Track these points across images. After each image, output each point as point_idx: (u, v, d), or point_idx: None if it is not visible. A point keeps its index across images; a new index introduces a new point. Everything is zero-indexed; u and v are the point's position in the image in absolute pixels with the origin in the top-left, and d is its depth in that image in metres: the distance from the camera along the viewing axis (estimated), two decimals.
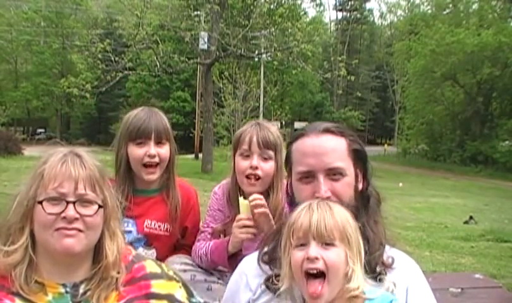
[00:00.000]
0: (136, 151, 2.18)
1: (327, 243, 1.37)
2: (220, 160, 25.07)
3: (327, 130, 1.68)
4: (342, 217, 1.41)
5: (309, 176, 1.64)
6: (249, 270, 1.66)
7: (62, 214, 1.43)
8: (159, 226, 2.26)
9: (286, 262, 1.42)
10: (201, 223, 2.38)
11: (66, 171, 1.46)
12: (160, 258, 2.09)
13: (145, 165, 2.19)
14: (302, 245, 1.38)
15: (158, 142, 2.21)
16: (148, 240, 2.25)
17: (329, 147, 1.64)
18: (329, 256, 1.35)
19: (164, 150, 2.22)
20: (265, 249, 1.64)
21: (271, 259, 1.60)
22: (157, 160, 2.19)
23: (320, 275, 1.35)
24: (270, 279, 1.55)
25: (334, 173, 1.61)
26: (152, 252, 2.24)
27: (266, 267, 1.60)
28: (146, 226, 2.24)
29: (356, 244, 1.40)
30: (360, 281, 1.37)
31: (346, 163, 1.63)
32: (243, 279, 1.66)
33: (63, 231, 1.43)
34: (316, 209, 1.41)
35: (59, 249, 1.43)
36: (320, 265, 1.35)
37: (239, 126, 28.28)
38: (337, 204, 1.47)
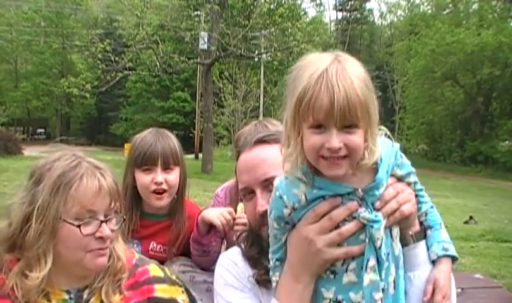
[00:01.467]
0: (142, 179, 2.10)
1: (349, 126, 1.20)
2: (220, 160, 25.09)
3: (258, 142, 1.63)
4: (363, 87, 1.21)
5: (249, 192, 1.61)
6: (237, 262, 1.62)
7: (97, 234, 1.40)
8: (164, 250, 2.20)
9: (298, 140, 1.26)
10: None
11: (92, 186, 1.40)
12: None
13: (153, 192, 2.12)
14: (319, 126, 1.21)
15: (166, 168, 2.11)
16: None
17: (260, 158, 1.59)
18: (352, 140, 1.20)
19: (172, 176, 2.12)
20: (246, 249, 1.62)
21: (251, 258, 1.59)
22: (164, 187, 2.10)
23: (342, 158, 1.22)
24: (260, 276, 1.53)
25: (271, 183, 1.52)
26: None
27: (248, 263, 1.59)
28: (151, 249, 2.19)
29: (376, 118, 1.24)
30: (377, 156, 1.25)
31: (281, 170, 1.48)
32: (232, 268, 1.62)
33: (98, 252, 1.40)
34: (337, 84, 1.18)
35: (92, 269, 1.41)
36: (341, 153, 1.21)
37: (239, 126, 28.30)
38: (352, 64, 1.25)
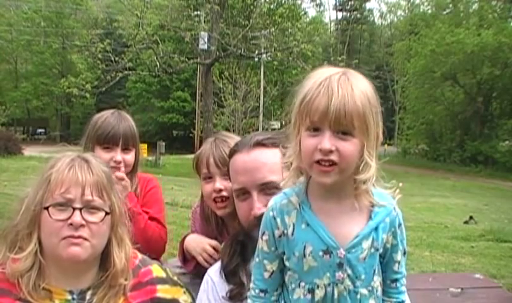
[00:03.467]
0: (102, 156, 2.19)
1: (343, 132, 1.21)
2: None
3: (257, 144, 1.64)
4: (363, 99, 1.22)
5: (244, 193, 1.62)
6: (215, 281, 1.66)
7: (69, 221, 1.42)
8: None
9: (296, 141, 1.28)
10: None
11: (73, 176, 1.45)
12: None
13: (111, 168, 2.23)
14: (315, 129, 1.23)
15: (125, 149, 2.26)
16: None
17: (259, 162, 1.60)
18: (345, 147, 1.21)
19: (130, 156, 2.28)
20: (225, 262, 1.65)
21: (228, 273, 1.61)
22: (122, 165, 2.23)
23: (332, 164, 1.23)
24: (233, 292, 1.57)
25: (269, 188, 1.57)
26: None
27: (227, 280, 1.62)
28: None
29: (374, 132, 1.24)
30: (371, 173, 1.24)
31: (280, 176, 1.47)
32: (210, 289, 1.66)
33: (69, 239, 1.42)
34: (337, 90, 1.20)
35: (65, 257, 1.43)
36: (333, 157, 1.21)
37: (239, 126, 28.32)
38: (359, 79, 1.26)
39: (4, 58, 47.85)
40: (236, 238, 1.69)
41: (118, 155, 2.23)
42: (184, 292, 1.64)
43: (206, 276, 1.70)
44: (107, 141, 2.23)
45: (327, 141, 1.20)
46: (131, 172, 2.31)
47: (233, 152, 1.70)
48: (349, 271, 1.28)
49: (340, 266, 1.28)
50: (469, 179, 30.03)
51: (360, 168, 1.24)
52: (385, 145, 51.74)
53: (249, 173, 1.61)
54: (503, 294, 2.91)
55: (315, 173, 1.26)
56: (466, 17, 42.64)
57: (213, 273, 1.69)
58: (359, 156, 1.23)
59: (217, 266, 1.70)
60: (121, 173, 2.17)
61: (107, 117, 2.29)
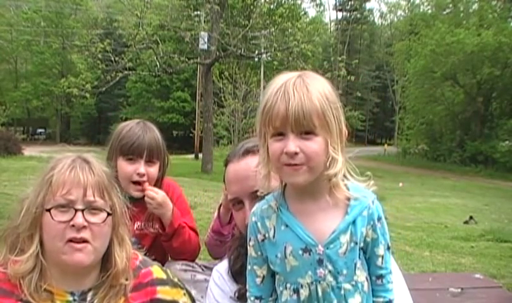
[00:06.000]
0: (125, 167, 2.16)
1: (306, 132, 1.25)
2: (220, 159, 25.03)
3: (247, 152, 1.65)
4: (321, 98, 1.27)
5: (239, 202, 1.64)
6: (225, 278, 1.68)
7: (71, 223, 1.42)
8: (149, 225, 2.26)
9: (264, 149, 1.32)
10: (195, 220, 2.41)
11: (74, 177, 1.44)
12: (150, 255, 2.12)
13: (133, 182, 2.18)
14: (280, 134, 1.27)
15: (149, 161, 2.18)
16: (139, 241, 2.25)
17: (249, 170, 1.60)
18: (309, 147, 1.25)
19: (153, 169, 2.20)
20: (231, 262, 1.66)
21: (235, 273, 1.63)
22: (145, 178, 2.17)
23: (300, 165, 1.26)
24: (241, 291, 1.57)
25: (260, 196, 1.55)
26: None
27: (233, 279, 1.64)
28: (136, 228, 2.23)
29: (336, 128, 1.28)
30: (339, 167, 1.28)
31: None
32: (220, 283, 1.68)
33: (73, 245, 1.42)
34: (293, 93, 1.25)
35: (69, 263, 1.43)
36: (299, 159, 1.25)
37: (239, 126, 28.34)
38: (315, 79, 1.31)
39: (4, 58, 47.92)
40: (238, 241, 1.70)
41: (142, 167, 2.15)
42: (184, 294, 1.64)
43: (215, 272, 1.72)
44: (131, 152, 2.15)
45: (291, 143, 1.24)
46: (155, 186, 2.23)
47: (226, 162, 1.73)
48: (330, 267, 1.30)
49: (320, 262, 1.30)
50: (469, 179, 30.05)
51: (327, 163, 1.27)
52: (385, 145, 51.94)
53: (240, 183, 1.63)
54: (503, 294, 2.91)
55: (286, 176, 1.30)
56: (466, 17, 42.67)
57: (223, 270, 1.70)
58: (325, 153, 1.27)
59: (225, 264, 1.72)
60: (153, 193, 2.12)
61: (132, 127, 2.21)
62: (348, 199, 1.33)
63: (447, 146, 39.76)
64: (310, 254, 1.30)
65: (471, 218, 13.68)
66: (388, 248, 1.39)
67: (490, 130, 37.44)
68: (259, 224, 1.37)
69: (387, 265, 1.39)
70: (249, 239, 1.41)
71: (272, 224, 1.35)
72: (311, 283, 1.31)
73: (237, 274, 1.63)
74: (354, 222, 1.32)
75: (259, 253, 1.39)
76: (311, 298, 1.31)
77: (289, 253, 1.31)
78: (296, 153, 1.24)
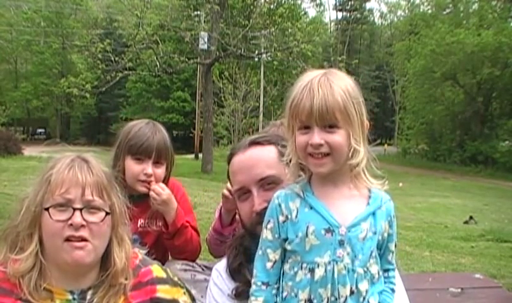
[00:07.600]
0: (133, 167, 2.17)
1: (330, 126, 1.36)
2: (220, 159, 25.04)
3: (252, 143, 1.69)
4: (343, 94, 1.38)
5: (245, 192, 1.65)
6: (224, 276, 1.70)
7: (69, 222, 1.42)
8: (152, 223, 2.28)
9: (292, 140, 1.42)
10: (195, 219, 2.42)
11: (73, 177, 1.45)
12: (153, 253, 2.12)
13: (140, 180, 2.20)
14: (306, 127, 1.38)
15: (157, 162, 2.20)
16: (141, 239, 2.26)
17: (255, 159, 1.65)
18: (333, 139, 1.36)
19: (161, 170, 2.21)
20: (230, 261, 1.68)
21: (233, 271, 1.65)
22: (152, 179, 2.18)
23: (325, 155, 1.37)
24: (238, 289, 1.60)
25: (268, 183, 1.61)
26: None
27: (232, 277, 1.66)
28: (140, 226, 2.25)
29: (358, 121, 1.39)
30: (361, 157, 1.38)
31: (277, 170, 1.61)
32: (219, 282, 1.70)
33: (72, 243, 1.42)
34: (318, 90, 1.37)
35: (69, 261, 1.43)
36: (323, 149, 1.36)
37: (239, 126, 28.34)
38: (338, 77, 1.42)
39: (4, 58, 47.93)
40: (239, 240, 1.72)
41: (149, 168, 2.16)
42: (184, 293, 1.65)
43: (215, 271, 1.74)
44: (140, 152, 2.16)
45: (316, 136, 1.35)
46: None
47: (230, 156, 1.74)
48: (349, 249, 1.37)
49: (341, 243, 1.37)
50: (469, 179, 30.04)
51: (350, 154, 1.38)
52: (385, 145, 51.96)
53: (247, 171, 1.64)
54: (503, 294, 2.91)
55: (311, 165, 1.39)
56: (466, 17, 42.65)
57: (222, 269, 1.72)
58: (347, 144, 1.37)
59: (224, 263, 1.73)
60: (159, 189, 2.14)
61: (141, 127, 2.21)
62: (369, 190, 1.44)
63: (447, 146, 39.74)
64: (332, 235, 1.37)
65: (471, 218, 13.69)
66: (395, 246, 1.50)
67: (490, 131, 37.42)
68: (283, 205, 1.43)
69: (394, 261, 1.50)
70: (268, 221, 1.45)
71: (295, 206, 1.42)
72: (329, 262, 1.37)
73: (236, 272, 1.65)
74: (374, 213, 1.42)
75: (276, 236, 1.43)
76: (326, 279, 1.36)
77: (311, 232, 1.38)
78: (320, 145, 1.35)
